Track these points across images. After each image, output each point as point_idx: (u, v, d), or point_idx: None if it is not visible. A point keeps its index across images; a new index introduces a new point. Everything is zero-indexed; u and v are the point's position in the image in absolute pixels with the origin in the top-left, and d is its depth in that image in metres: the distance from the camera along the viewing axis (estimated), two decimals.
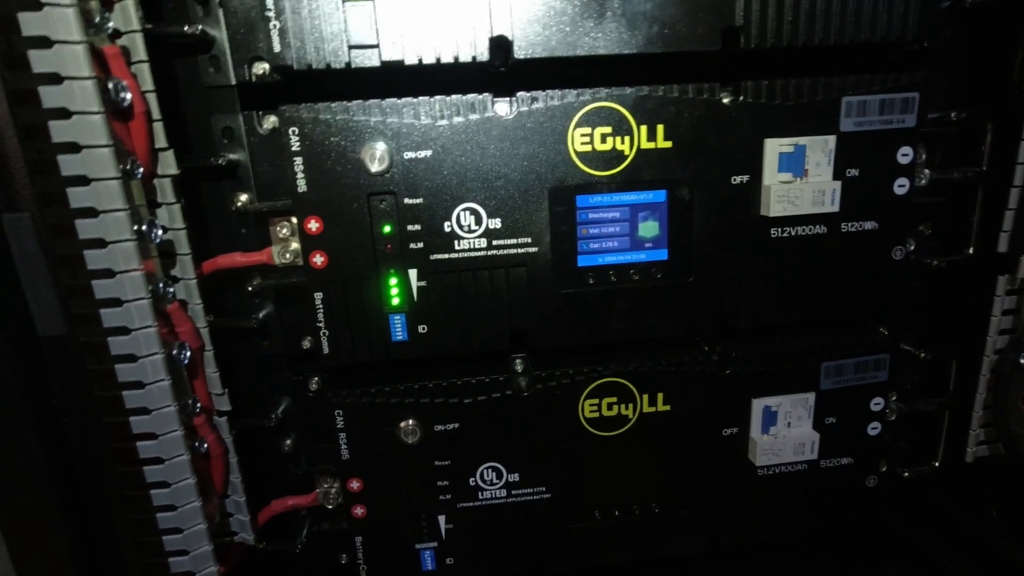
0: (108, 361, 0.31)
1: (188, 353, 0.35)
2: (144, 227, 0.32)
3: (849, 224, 0.42)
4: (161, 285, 0.34)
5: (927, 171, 0.44)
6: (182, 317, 0.36)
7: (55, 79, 0.28)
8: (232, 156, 0.40)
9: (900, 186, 0.42)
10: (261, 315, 0.43)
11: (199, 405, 0.37)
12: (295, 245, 0.41)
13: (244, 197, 0.41)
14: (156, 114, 0.34)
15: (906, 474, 0.51)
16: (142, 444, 0.33)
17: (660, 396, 0.44)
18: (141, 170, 0.32)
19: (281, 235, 0.41)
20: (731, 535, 0.49)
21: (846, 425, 0.47)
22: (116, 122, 0.31)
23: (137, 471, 0.33)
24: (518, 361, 0.44)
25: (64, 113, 0.28)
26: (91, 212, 0.30)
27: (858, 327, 0.46)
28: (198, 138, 0.40)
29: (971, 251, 0.47)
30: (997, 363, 0.45)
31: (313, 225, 0.38)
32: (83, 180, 0.29)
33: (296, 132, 0.37)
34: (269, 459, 0.47)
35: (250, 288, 0.43)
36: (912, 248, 0.45)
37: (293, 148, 0.37)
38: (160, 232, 0.34)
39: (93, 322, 0.31)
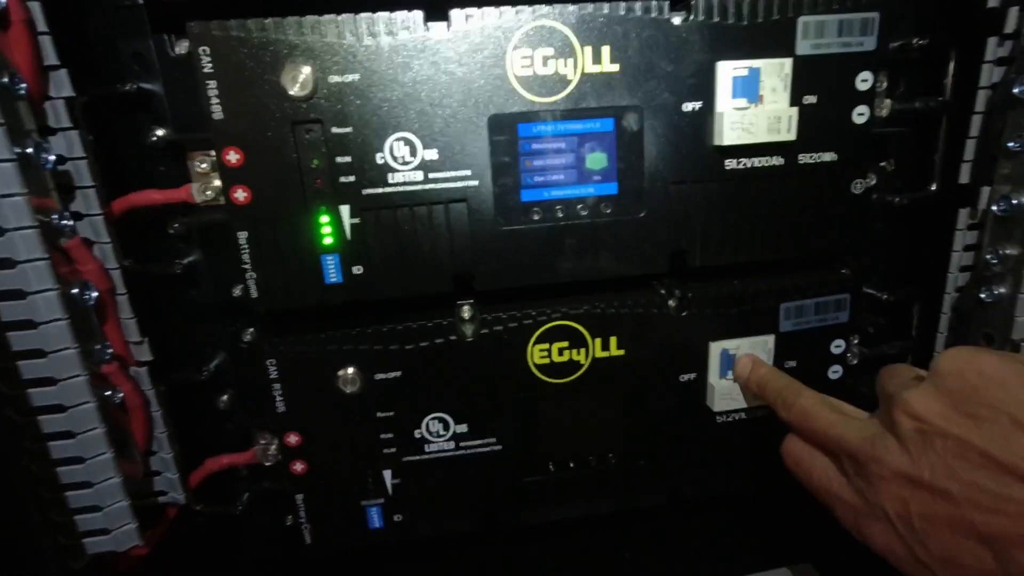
0: None
1: (94, 294, 0.33)
2: (30, 150, 0.29)
3: (807, 155, 0.40)
4: (56, 217, 0.31)
5: (888, 101, 0.42)
6: (85, 255, 0.33)
7: None
8: (145, 85, 0.37)
9: (860, 115, 0.40)
10: (186, 261, 0.40)
11: (110, 351, 0.34)
12: (217, 182, 0.37)
13: (161, 132, 0.38)
14: (42, 26, 0.30)
15: None
16: (38, 391, 0.30)
17: (613, 340, 0.42)
18: (24, 86, 0.29)
19: (200, 170, 0.38)
20: (692, 487, 0.47)
21: (807, 369, 0.45)
22: None
23: (31, 421, 0.30)
24: (465, 308, 0.41)
25: None
26: None
27: (818, 267, 0.45)
28: (107, 65, 0.37)
29: (934, 187, 0.45)
30: (958, 301, 0.44)
31: (232, 156, 0.35)
32: None
33: (207, 52, 0.33)
34: (207, 418, 0.45)
35: (172, 231, 0.40)
36: (873, 183, 0.43)
37: (205, 70, 0.34)
38: (52, 159, 0.30)
39: None
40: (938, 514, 0.27)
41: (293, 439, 0.41)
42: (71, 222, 0.32)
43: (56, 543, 0.33)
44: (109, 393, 0.34)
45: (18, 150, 0.28)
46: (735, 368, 0.43)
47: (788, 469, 0.36)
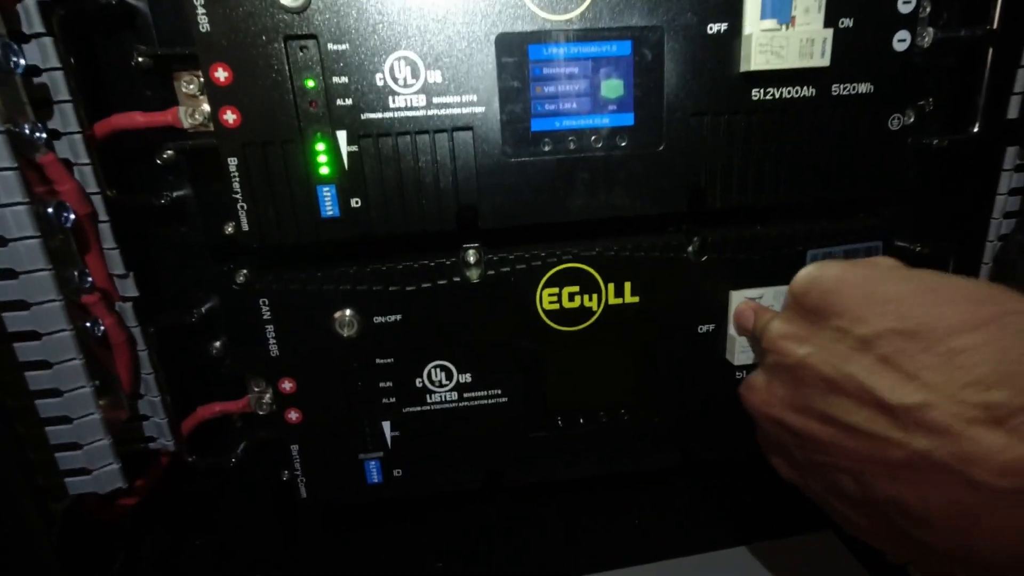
0: None
1: (71, 216, 0.30)
2: None
3: (841, 86, 0.37)
4: (27, 127, 0.28)
5: (930, 30, 0.39)
6: (62, 174, 0.30)
7: None
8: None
9: (900, 40, 0.37)
10: (175, 194, 0.38)
11: (91, 280, 0.32)
12: (205, 106, 0.35)
13: (145, 49, 0.35)
14: None
15: None
16: (11, 315, 0.28)
17: (627, 286, 0.40)
18: None
19: (188, 91, 0.35)
20: (707, 448, 0.45)
21: None
22: None
23: (5, 348, 0.28)
24: (471, 252, 0.39)
25: None
26: None
27: (848, 212, 0.42)
28: None
29: (976, 129, 0.42)
30: (1000, 250, 0.41)
31: (220, 74, 0.33)
32: None
33: None
34: (200, 365, 0.43)
35: (160, 161, 0.38)
36: (911, 120, 0.40)
37: None
38: (22, 63, 0.28)
39: None
40: (808, 450, 0.25)
41: (287, 385, 0.39)
42: (44, 135, 0.29)
43: (34, 482, 0.31)
44: (89, 325, 0.32)
45: None
46: (734, 316, 0.39)
47: None
